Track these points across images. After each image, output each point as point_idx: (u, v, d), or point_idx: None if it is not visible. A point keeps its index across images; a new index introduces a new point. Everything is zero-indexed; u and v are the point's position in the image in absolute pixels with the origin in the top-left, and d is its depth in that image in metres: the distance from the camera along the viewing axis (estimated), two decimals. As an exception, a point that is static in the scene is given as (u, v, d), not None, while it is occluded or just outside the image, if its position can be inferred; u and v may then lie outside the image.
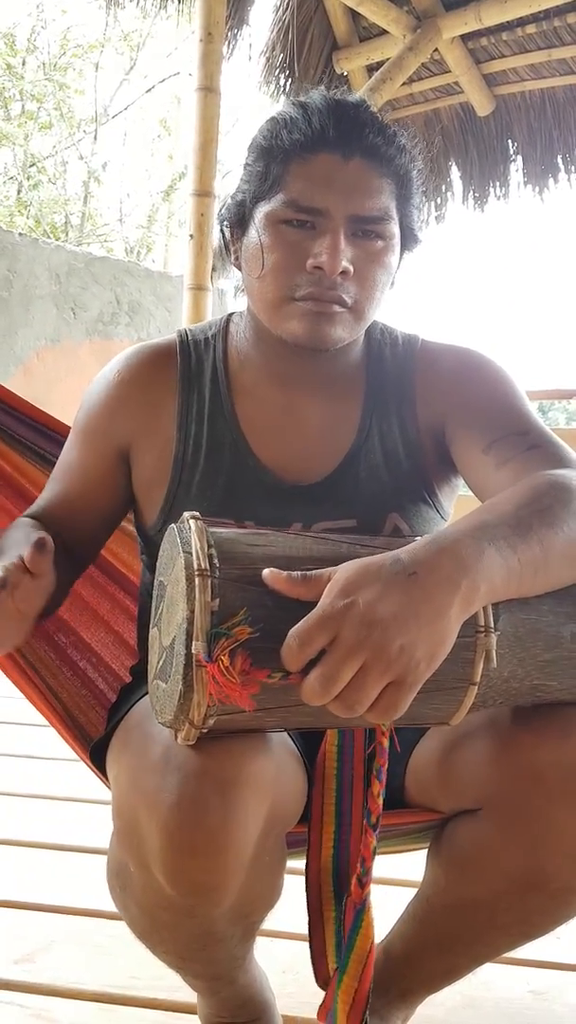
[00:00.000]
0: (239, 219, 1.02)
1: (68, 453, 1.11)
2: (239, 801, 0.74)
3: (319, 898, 0.90)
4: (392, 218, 0.98)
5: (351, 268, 0.95)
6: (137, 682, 1.10)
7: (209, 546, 0.71)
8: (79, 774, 2.02)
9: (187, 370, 1.07)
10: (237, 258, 1.04)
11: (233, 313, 1.13)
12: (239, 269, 1.04)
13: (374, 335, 1.10)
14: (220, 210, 1.06)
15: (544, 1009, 1.21)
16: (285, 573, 0.70)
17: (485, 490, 0.98)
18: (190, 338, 1.10)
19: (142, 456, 1.06)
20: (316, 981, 0.86)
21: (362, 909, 0.79)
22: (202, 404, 1.06)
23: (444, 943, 0.97)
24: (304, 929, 1.33)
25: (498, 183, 4.59)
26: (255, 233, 0.98)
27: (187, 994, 1.09)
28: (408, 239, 1.03)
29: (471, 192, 4.62)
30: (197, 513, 0.76)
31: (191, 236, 3.46)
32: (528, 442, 0.97)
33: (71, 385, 4.27)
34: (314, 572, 0.71)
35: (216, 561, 0.70)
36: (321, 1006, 0.83)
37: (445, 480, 1.07)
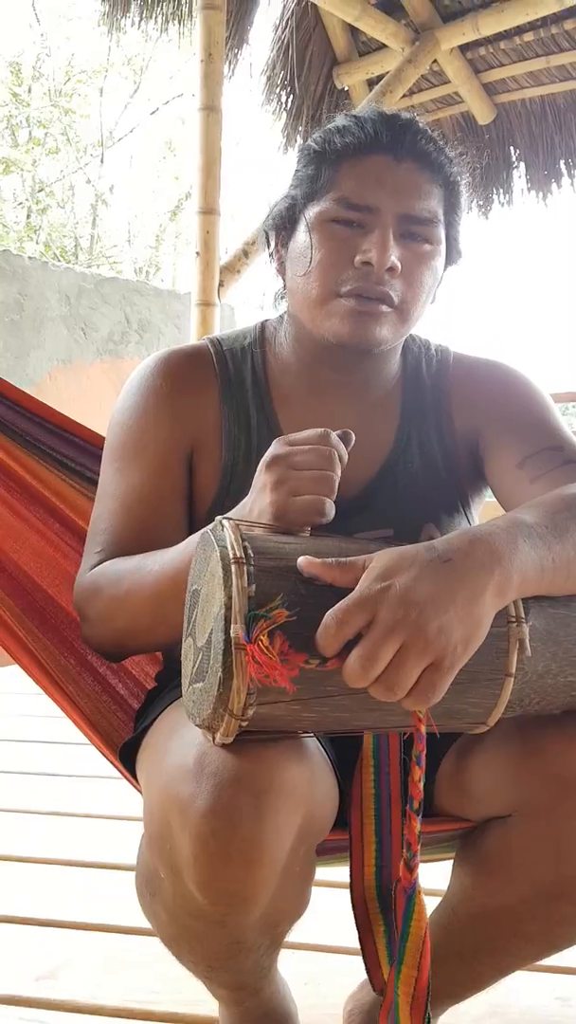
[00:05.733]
0: (287, 221, 1.02)
1: (119, 482, 1.03)
2: (273, 810, 0.73)
3: (366, 915, 0.89)
4: (440, 222, 0.99)
5: (399, 265, 0.95)
6: (163, 687, 1.09)
7: (243, 539, 0.73)
8: (97, 791, 2.03)
9: (227, 379, 1.06)
10: (281, 263, 1.05)
11: (267, 321, 1.12)
12: (282, 276, 1.05)
13: (411, 346, 1.10)
14: (266, 218, 1.06)
15: (570, 1016, 1.19)
16: (320, 559, 0.71)
17: (516, 503, 0.97)
18: (224, 347, 1.09)
19: (198, 465, 1.04)
20: (373, 989, 0.86)
21: (412, 894, 0.79)
22: (246, 413, 1.05)
23: (468, 952, 0.95)
24: (327, 941, 1.33)
25: (501, 190, 4.61)
26: (303, 233, 1.00)
27: (208, 1008, 1.08)
28: (452, 250, 1.04)
29: (474, 200, 4.64)
30: (230, 516, 0.78)
31: (197, 253, 3.49)
32: (562, 457, 0.98)
33: (83, 405, 4.30)
34: (349, 559, 0.72)
35: (251, 552, 0.72)
36: (382, 1008, 0.82)
37: (477, 491, 1.08)
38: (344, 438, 0.85)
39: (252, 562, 0.71)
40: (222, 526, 0.76)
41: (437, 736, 0.75)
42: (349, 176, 0.97)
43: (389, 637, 0.67)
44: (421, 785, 0.76)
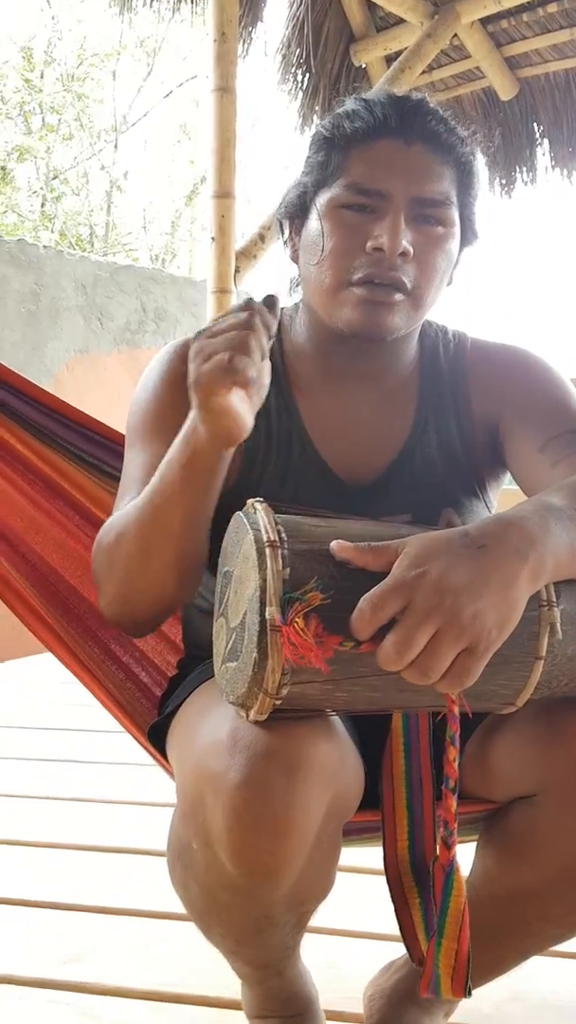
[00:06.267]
0: (299, 210, 1.02)
1: (140, 458, 1.02)
2: (305, 785, 0.75)
3: (401, 889, 0.91)
4: (452, 204, 0.98)
5: (411, 250, 0.95)
6: (186, 674, 1.10)
7: (276, 523, 0.74)
8: (127, 778, 2.05)
9: None
10: (295, 250, 1.05)
11: (283, 308, 1.12)
12: (295, 263, 1.05)
13: (428, 332, 1.10)
14: (278, 206, 1.06)
15: (593, 1001, 1.19)
16: (352, 543, 0.72)
17: (538, 487, 0.98)
18: None
19: None
20: (412, 961, 0.87)
21: (451, 871, 0.80)
22: (267, 399, 1.05)
23: (491, 935, 0.96)
24: (349, 926, 1.34)
25: (524, 168, 4.53)
26: (315, 220, 0.99)
27: (234, 992, 1.09)
28: (467, 232, 1.03)
29: (497, 179, 4.56)
30: (262, 499, 0.79)
31: (212, 239, 3.47)
32: None
33: (101, 396, 4.30)
34: (382, 543, 0.73)
35: (284, 535, 0.73)
36: (421, 979, 0.83)
37: (495, 476, 1.08)
38: (268, 301, 0.83)
39: (286, 545, 0.72)
40: (255, 509, 0.77)
41: (470, 717, 0.76)
42: (359, 161, 0.96)
43: (424, 623, 0.68)
44: (456, 765, 0.77)
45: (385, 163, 0.95)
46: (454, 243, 1.00)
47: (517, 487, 1.08)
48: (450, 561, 0.70)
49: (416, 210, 0.96)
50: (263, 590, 0.71)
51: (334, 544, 0.73)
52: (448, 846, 0.79)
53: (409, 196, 0.95)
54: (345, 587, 0.71)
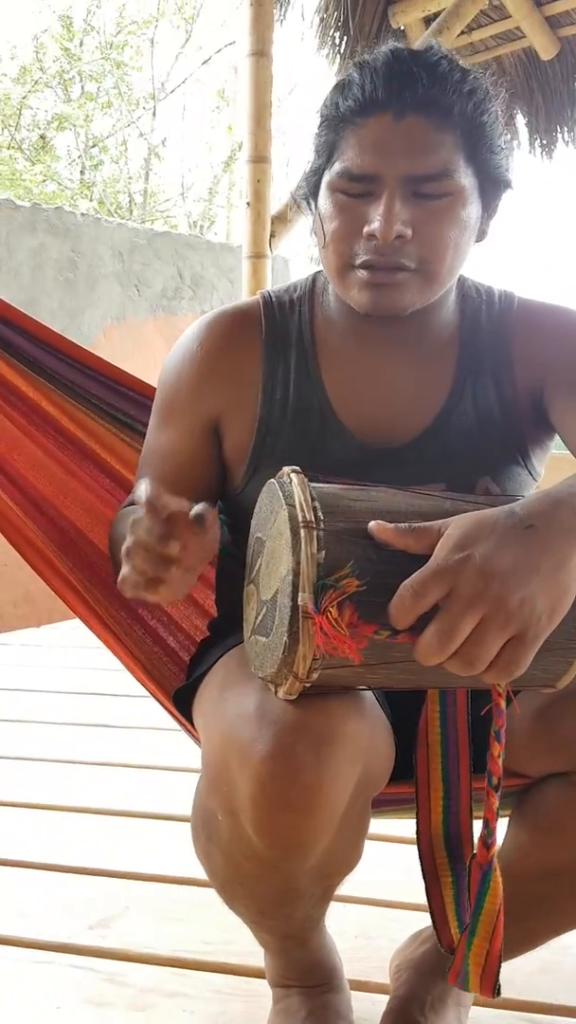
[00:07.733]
0: (312, 190, 1.00)
1: (155, 437, 1.08)
2: (334, 760, 0.73)
3: (433, 865, 0.89)
4: (455, 171, 0.92)
5: (408, 232, 0.91)
6: (215, 637, 1.10)
7: (312, 499, 0.71)
8: (152, 743, 2.06)
9: (273, 335, 1.05)
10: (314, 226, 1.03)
11: (319, 272, 1.10)
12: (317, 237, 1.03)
13: (468, 293, 1.06)
14: (297, 185, 1.04)
15: (627, 976, 1.17)
16: (392, 524, 0.69)
17: None
18: (274, 300, 1.07)
19: (231, 426, 1.04)
20: (440, 946, 0.85)
21: (489, 870, 0.78)
22: (287, 369, 1.03)
23: (522, 911, 0.93)
24: (379, 895, 1.32)
25: (565, 128, 4.42)
26: (320, 202, 0.97)
27: (258, 959, 1.08)
28: (492, 187, 0.97)
29: (537, 140, 4.46)
30: (298, 468, 0.76)
31: (248, 204, 3.42)
32: None
33: (138, 363, 4.29)
34: (423, 524, 0.69)
35: (320, 513, 0.70)
36: (450, 969, 0.81)
37: (539, 443, 1.04)
38: (196, 518, 0.71)
39: (322, 525, 0.69)
40: (290, 480, 0.74)
41: (517, 710, 0.73)
42: (349, 144, 0.93)
43: (468, 611, 0.65)
44: (500, 761, 0.75)
45: (374, 144, 0.91)
46: (468, 207, 0.94)
47: (567, 452, 1.04)
48: (496, 543, 0.66)
49: (413, 186, 0.91)
50: (296, 574, 0.67)
51: (373, 525, 0.69)
52: (487, 846, 0.77)
53: (401, 175, 0.90)
54: (383, 571, 0.68)
